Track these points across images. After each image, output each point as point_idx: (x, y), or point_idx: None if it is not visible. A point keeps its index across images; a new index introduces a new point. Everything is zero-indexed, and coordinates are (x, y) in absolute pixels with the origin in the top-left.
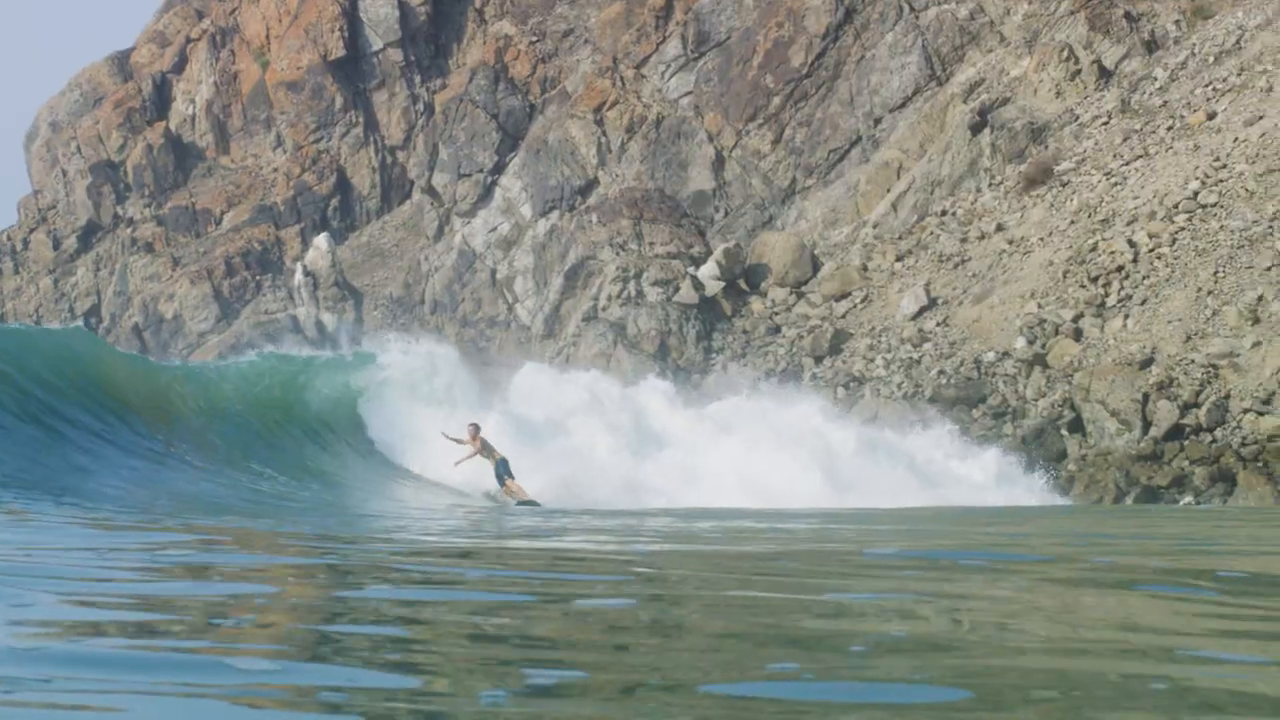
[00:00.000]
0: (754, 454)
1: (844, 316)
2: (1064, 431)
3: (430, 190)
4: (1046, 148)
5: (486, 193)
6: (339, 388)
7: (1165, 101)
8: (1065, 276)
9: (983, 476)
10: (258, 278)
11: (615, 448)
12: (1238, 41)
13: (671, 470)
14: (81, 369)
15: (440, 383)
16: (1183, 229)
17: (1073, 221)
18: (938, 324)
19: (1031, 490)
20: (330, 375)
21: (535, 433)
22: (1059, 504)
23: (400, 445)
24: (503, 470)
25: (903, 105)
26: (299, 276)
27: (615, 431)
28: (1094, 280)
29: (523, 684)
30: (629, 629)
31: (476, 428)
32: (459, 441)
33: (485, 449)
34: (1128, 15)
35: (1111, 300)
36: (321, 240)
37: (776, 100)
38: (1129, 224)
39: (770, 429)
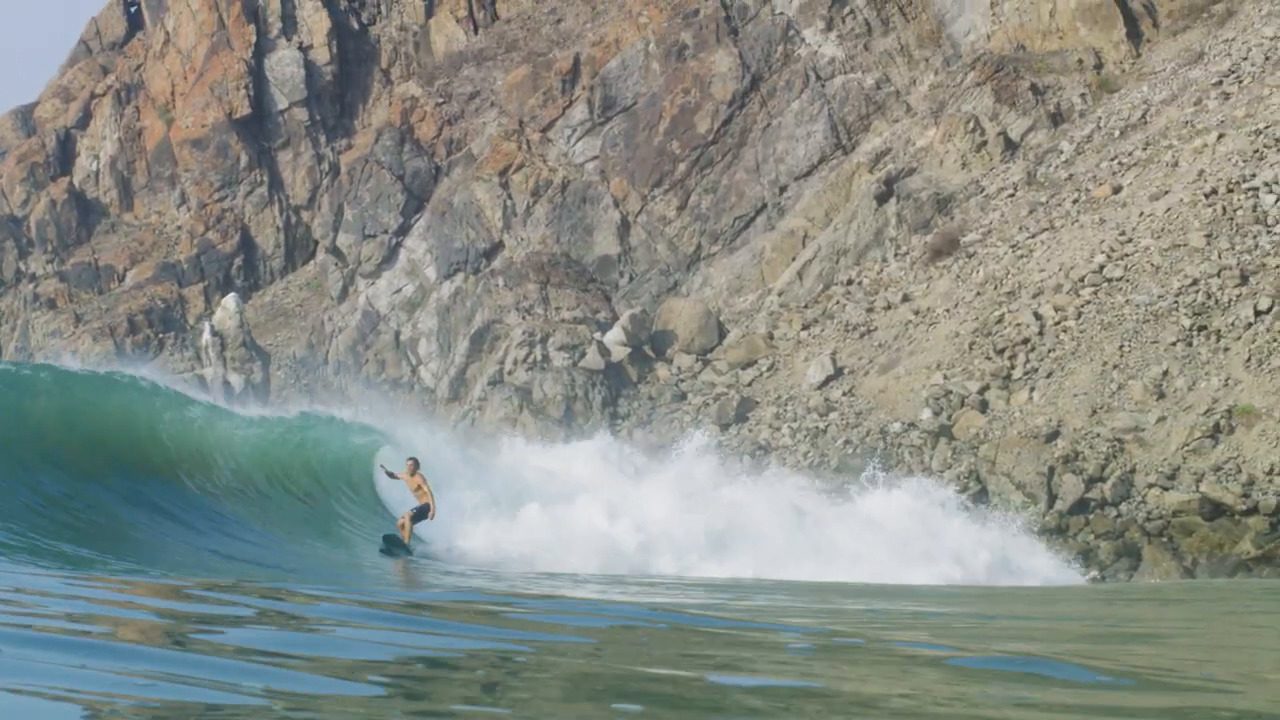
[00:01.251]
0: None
1: (750, 384)
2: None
3: (335, 250)
4: (952, 218)
5: (391, 254)
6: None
7: (1071, 174)
8: (971, 348)
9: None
10: (160, 335)
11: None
12: (1143, 116)
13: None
14: None
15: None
16: (1088, 302)
17: (979, 293)
18: (844, 393)
19: None
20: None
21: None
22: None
23: None
24: (418, 513)
25: (808, 173)
26: (206, 336)
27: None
28: (1000, 352)
29: None
30: None
31: (416, 463)
32: (393, 476)
33: (419, 487)
34: (1033, 88)
35: (1017, 373)
36: (230, 300)
37: (682, 166)
38: (1035, 296)
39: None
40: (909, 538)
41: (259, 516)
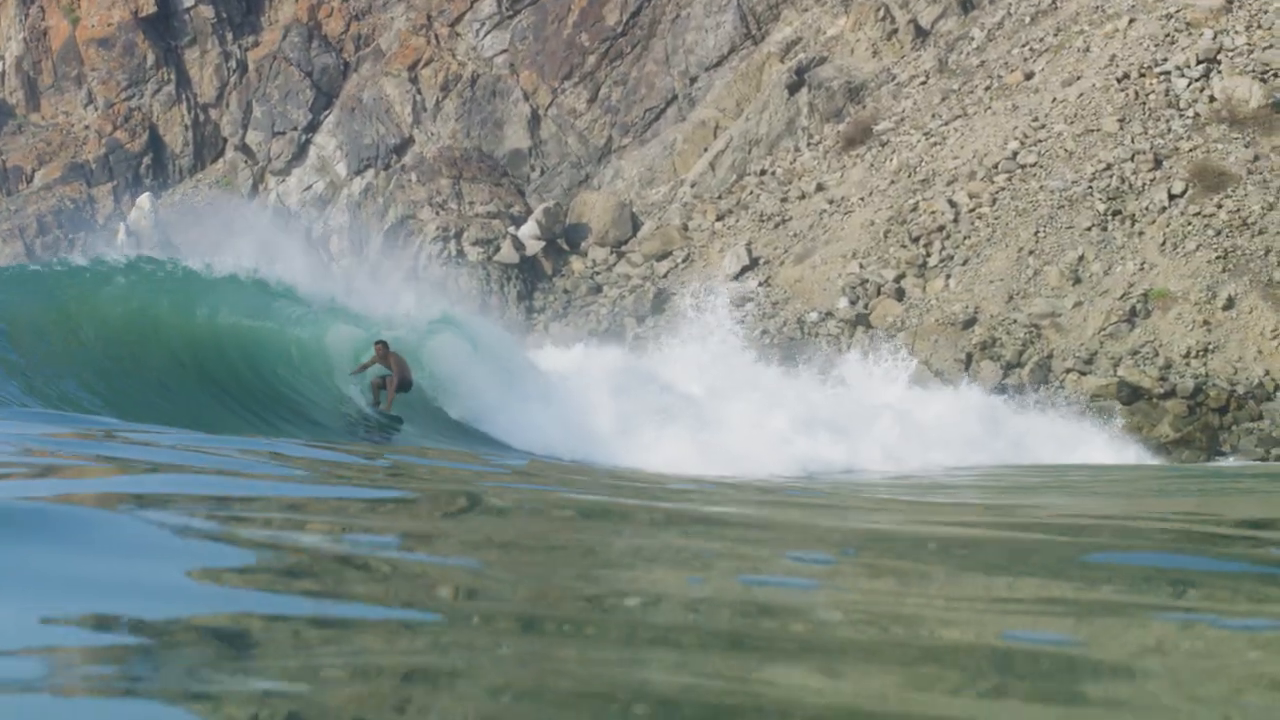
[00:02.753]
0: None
1: (666, 276)
2: None
3: (244, 148)
4: (864, 107)
5: (301, 151)
6: None
7: (983, 61)
8: (886, 236)
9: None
10: (70, 236)
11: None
12: (1053, 1)
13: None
14: None
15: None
16: (1003, 189)
17: (893, 181)
18: (760, 284)
19: None
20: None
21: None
22: None
23: None
24: (400, 385)
25: (718, 64)
26: (122, 236)
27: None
28: (915, 240)
29: None
30: None
31: (385, 345)
32: (364, 369)
33: (389, 362)
34: None
35: (933, 260)
36: (144, 199)
37: (592, 59)
38: (949, 184)
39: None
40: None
41: None
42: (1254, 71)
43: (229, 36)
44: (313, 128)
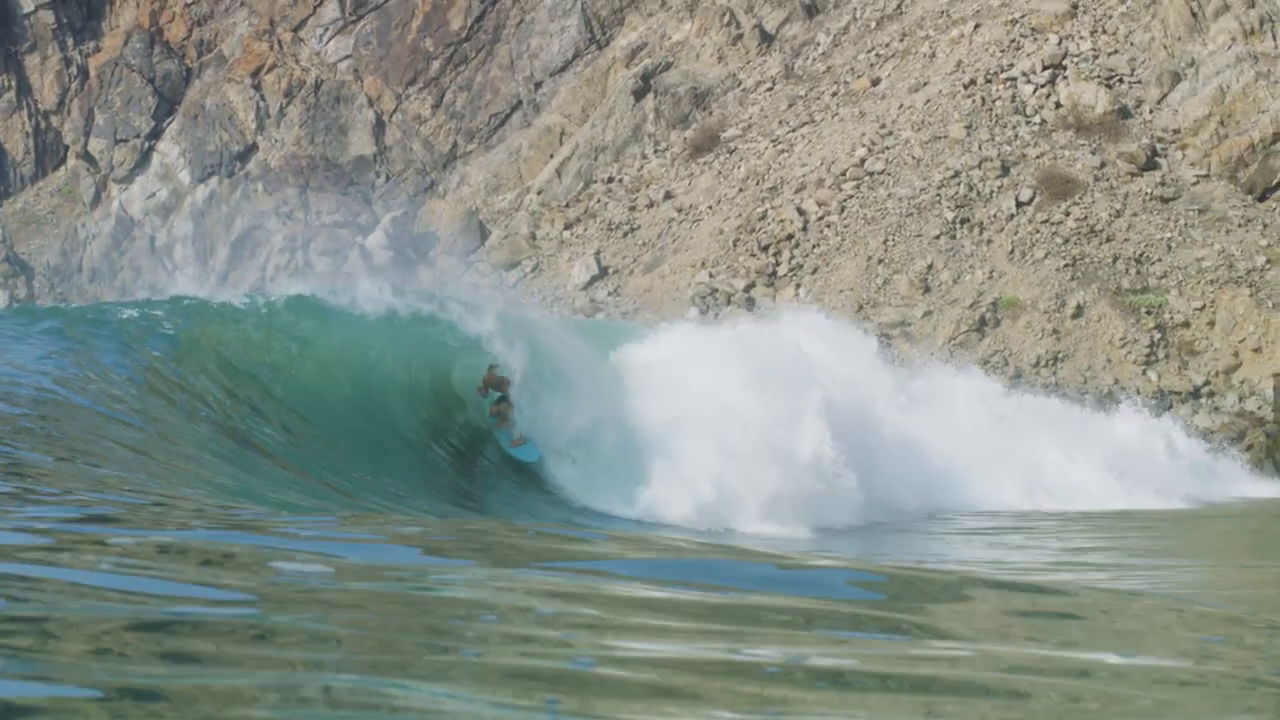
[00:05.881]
0: None
1: (515, 286)
2: None
3: (86, 155)
4: (711, 114)
5: (144, 158)
6: None
7: (829, 67)
8: (736, 245)
9: None
10: None
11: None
12: (899, 6)
13: None
14: None
15: None
16: (851, 197)
17: (741, 189)
18: (609, 293)
19: None
20: None
21: None
22: None
23: None
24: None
25: (564, 69)
26: None
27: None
28: (764, 249)
29: None
30: None
31: (495, 369)
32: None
33: (502, 386)
34: None
35: (783, 269)
36: None
37: (436, 64)
38: (797, 192)
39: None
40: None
41: None
42: (1100, 77)
43: (70, 42)
44: (156, 135)
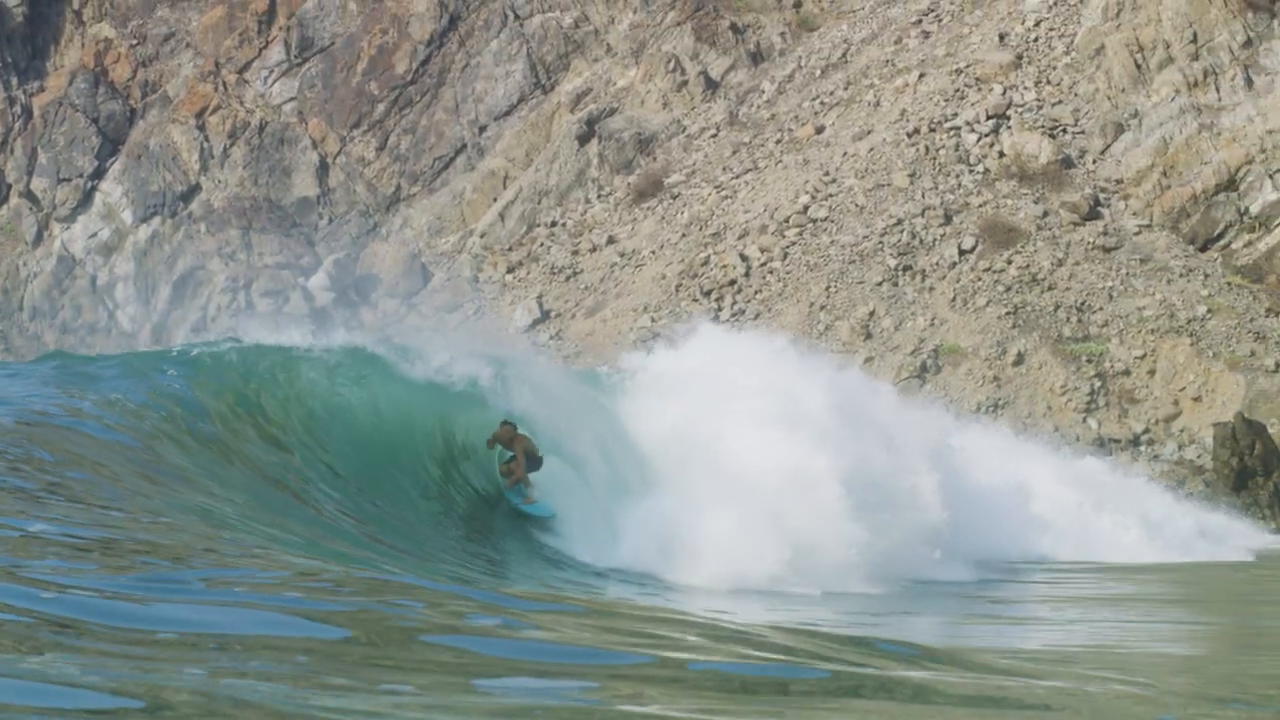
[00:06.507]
0: None
1: (457, 329)
2: None
3: (29, 194)
4: (655, 159)
5: (86, 198)
6: None
7: (773, 114)
8: (678, 290)
9: None
10: None
11: None
12: (844, 55)
13: None
14: None
15: None
16: (794, 243)
17: (684, 234)
18: (551, 337)
19: None
20: None
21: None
22: None
23: None
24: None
25: (508, 113)
26: None
27: None
28: (707, 294)
29: None
30: None
31: (513, 426)
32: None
33: (514, 444)
34: (734, 27)
35: (725, 314)
36: None
37: (381, 107)
38: (740, 237)
39: None
40: None
41: None
42: (1043, 127)
43: (14, 81)
44: (99, 175)
